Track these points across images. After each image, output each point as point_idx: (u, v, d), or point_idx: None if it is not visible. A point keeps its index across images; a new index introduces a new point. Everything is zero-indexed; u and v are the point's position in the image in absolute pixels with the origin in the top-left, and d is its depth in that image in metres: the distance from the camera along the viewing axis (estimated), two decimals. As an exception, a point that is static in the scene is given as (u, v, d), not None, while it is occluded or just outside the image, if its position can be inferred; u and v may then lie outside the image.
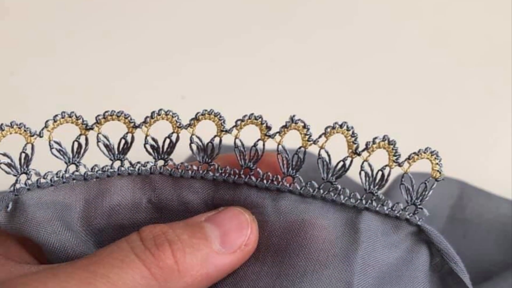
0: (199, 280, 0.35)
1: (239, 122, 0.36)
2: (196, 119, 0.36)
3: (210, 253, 0.35)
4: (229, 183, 0.38)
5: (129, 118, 0.35)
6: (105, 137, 0.36)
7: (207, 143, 0.37)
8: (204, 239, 0.35)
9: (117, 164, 0.37)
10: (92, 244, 0.37)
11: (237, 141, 0.36)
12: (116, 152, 0.36)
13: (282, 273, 0.35)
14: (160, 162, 0.37)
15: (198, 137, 0.37)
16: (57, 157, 0.35)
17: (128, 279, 0.32)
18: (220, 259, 0.35)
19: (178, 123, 0.36)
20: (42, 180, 0.35)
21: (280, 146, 0.36)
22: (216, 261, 0.35)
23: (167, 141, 0.36)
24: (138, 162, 0.37)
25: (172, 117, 0.36)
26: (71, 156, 0.36)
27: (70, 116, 0.35)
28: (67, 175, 0.36)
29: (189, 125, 0.36)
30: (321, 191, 0.36)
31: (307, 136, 0.36)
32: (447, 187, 0.56)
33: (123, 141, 0.36)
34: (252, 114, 0.36)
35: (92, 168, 0.36)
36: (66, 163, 0.36)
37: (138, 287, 0.32)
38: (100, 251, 0.34)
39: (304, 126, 0.35)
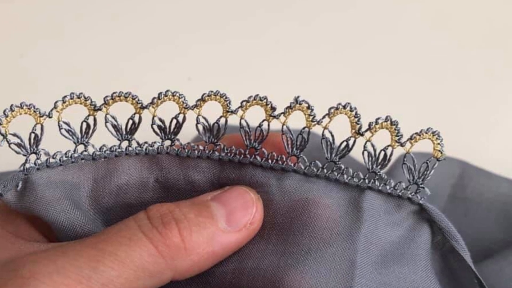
0: (205, 258, 0.35)
1: (244, 103, 0.36)
2: (202, 100, 0.36)
3: (216, 231, 0.35)
4: (234, 162, 0.38)
5: (136, 99, 0.36)
6: (113, 117, 0.36)
7: (213, 124, 0.37)
8: (210, 218, 0.35)
9: (124, 144, 0.37)
10: (100, 223, 0.38)
11: (243, 121, 0.37)
12: (124, 133, 0.37)
13: (287, 251, 0.35)
14: (167, 142, 0.38)
15: (205, 118, 0.37)
16: (65, 137, 0.36)
17: (136, 256, 0.32)
18: (226, 237, 0.35)
19: (185, 104, 0.36)
20: (52, 160, 0.36)
21: (284, 127, 0.37)
22: (222, 239, 0.35)
23: (174, 121, 0.37)
24: (146, 142, 0.37)
25: (179, 98, 0.36)
26: (79, 136, 0.36)
27: (78, 97, 0.35)
28: (75, 155, 0.36)
29: (195, 106, 0.36)
30: (325, 170, 0.37)
31: (311, 117, 0.36)
32: (448, 166, 0.56)
33: (130, 121, 0.36)
34: (257, 95, 0.36)
35: (100, 148, 0.37)
36: (74, 143, 0.36)
37: (146, 264, 0.33)
38: (108, 229, 0.34)
39: (308, 107, 0.36)
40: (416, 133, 0.36)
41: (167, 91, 0.36)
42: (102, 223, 0.38)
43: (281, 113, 0.37)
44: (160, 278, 0.34)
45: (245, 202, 0.37)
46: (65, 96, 0.35)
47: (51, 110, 0.35)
